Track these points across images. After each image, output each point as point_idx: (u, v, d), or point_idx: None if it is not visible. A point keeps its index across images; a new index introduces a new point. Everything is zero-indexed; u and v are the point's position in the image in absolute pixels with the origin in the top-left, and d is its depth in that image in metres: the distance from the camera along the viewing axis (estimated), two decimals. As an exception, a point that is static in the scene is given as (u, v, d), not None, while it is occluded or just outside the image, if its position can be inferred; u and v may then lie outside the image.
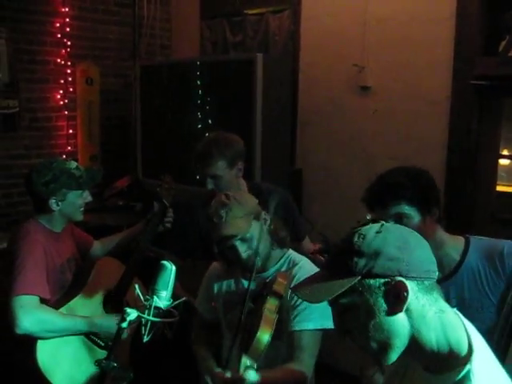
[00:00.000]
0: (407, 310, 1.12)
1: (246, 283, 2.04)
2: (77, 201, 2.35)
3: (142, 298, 1.59)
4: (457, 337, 1.14)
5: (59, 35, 4.22)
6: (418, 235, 1.21)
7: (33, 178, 2.32)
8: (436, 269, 1.17)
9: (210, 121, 3.84)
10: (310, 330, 1.92)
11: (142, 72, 4.28)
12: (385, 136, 3.37)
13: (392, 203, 1.75)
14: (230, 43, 4.29)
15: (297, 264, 2.04)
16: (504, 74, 2.81)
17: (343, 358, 3.30)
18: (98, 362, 1.58)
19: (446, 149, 3.13)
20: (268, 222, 2.03)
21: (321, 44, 3.67)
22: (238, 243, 1.95)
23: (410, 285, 1.11)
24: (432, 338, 1.13)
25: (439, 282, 1.77)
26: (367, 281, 1.12)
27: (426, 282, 1.14)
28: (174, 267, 1.60)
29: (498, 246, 1.81)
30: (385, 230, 1.17)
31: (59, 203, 2.32)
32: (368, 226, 1.19)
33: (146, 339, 1.53)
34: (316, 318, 1.92)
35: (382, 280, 1.12)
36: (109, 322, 2.25)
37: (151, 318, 1.55)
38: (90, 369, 2.22)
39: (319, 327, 1.93)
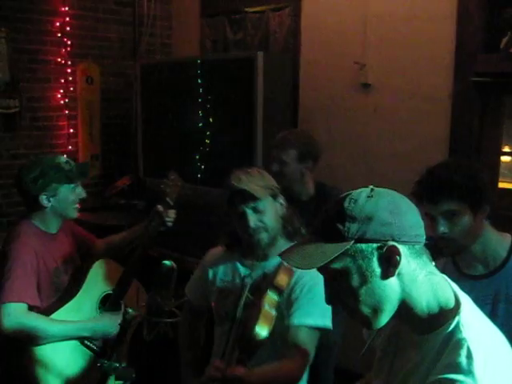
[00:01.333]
0: (399, 274, 1.13)
1: (243, 270, 2.01)
2: (69, 196, 2.31)
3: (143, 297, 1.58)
4: (445, 296, 1.17)
5: (59, 34, 4.22)
6: (407, 199, 1.20)
7: (21, 176, 2.28)
8: (424, 233, 1.17)
9: (210, 119, 3.84)
10: (308, 326, 1.86)
11: (143, 71, 4.28)
12: (386, 134, 3.37)
13: (444, 200, 1.74)
14: (230, 41, 4.28)
15: None
16: (505, 70, 2.80)
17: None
18: (100, 363, 1.58)
19: (448, 146, 3.12)
20: (284, 207, 2.00)
21: (321, 42, 3.66)
22: (249, 211, 1.92)
23: (402, 249, 1.11)
24: (422, 300, 1.15)
25: (486, 276, 1.80)
26: (360, 245, 1.11)
27: (416, 246, 1.15)
28: (175, 266, 1.60)
29: None
30: (376, 195, 1.16)
31: (50, 199, 2.27)
32: (358, 191, 1.18)
33: (148, 339, 1.53)
34: (316, 314, 1.87)
35: (375, 245, 1.11)
36: (103, 324, 2.22)
37: (153, 317, 1.55)
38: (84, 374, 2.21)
39: (320, 325, 1.88)
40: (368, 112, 3.44)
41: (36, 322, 2.12)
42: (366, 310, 1.14)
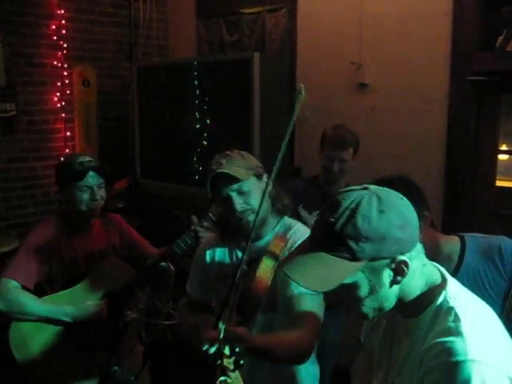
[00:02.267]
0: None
1: (239, 253, 1.96)
2: (75, 194, 2.37)
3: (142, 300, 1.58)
4: (433, 277, 1.23)
5: (55, 37, 4.22)
6: (404, 197, 1.20)
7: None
8: (417, 219, 1.20)
9: (208, 121, 3.84)
10: (310, 293, 1.73)
11: (139, 73, 4.28)
12: (383, 133, 3.37)
13: None
14: (226, 43, 4.28)
15: (291, 228, 1.94)
16: (501, 69, 2.81)
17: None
18: (98, 367, 1.58)
19: (445, 145, 3.13)
20: (270, 185, 1.87)
21: (318, 42, 3.66)
22: (233, 194, 1.86)
23: (408, 256, 1.15)
24: (417, 289, 1.20)
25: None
26: (372, 263, 1.13)
27: (417, 246, 1.18)
28: (172, 269, 1.59)
29: (495, 243, 1.80)
30: (386, 209, 1.13)
31: (63, 196, 2.42)
32: (366, 203, 1.14)
33: (146, 341, 1.53)
34: None
35: (385, 261, 1.14)
36: (83, 311, 2.27)
37: (152, 320, 1.55)
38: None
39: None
40: (365, 112, 3.44)
41: (21, 298, 2.27)
42: (367, 311, 1.19)
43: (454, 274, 1.77)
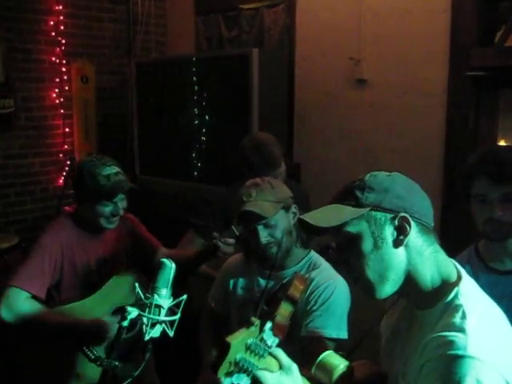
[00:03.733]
0: (407, 246, 1.21)
1: (262, 281, 2.00)
2: (96, 209, 2.23)
3: (142, 296, 1.58)
4: (448, 271, 1.24)
5: (53, 33, 4.21)
6: (420, 188, 1.29)
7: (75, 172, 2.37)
8: (433, 220, 1.26)
9: (206, 117, 3.84)
10: (323, 337, 1.84)
11: (138, 69, 4.28)
12: (382, 129, 3.37)
13: (507, 182, 1.70)
14: (225, 38, 4.27)
15: (317, 268, 1.97)
16: (500, 64, 2.80)
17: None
18: (99, 361, 1.58)
19: (444, 140, 3.13)
20: (297, 216, 1.96)
21: (316, 37, 3.65)
22: (260, 227, 1.89)
23: (413, 223, 1.20)
24: (427, 274, 1.22)
25: (505, 274, 1.78)
26: (375, 213, 1.21)
27: (424, 225, 1.23)
28: (173, 265, 1.60)
29: None
30: (394, 175, 1.28)
31: (84, 205, 2.28)
32: (378, 171, 1.28)
33: (146, 338, 1.53)
34: (332, 326, 1.85)
35: (389, 215, 1.20)
36: (98, 327, 2.13)
37: (152, 316, 1.54)
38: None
39: (334, 336, 1.86)
40: (364, 107, 3.44)
41: (30, 310, 2.13)
42: (372, 276, 1.21)
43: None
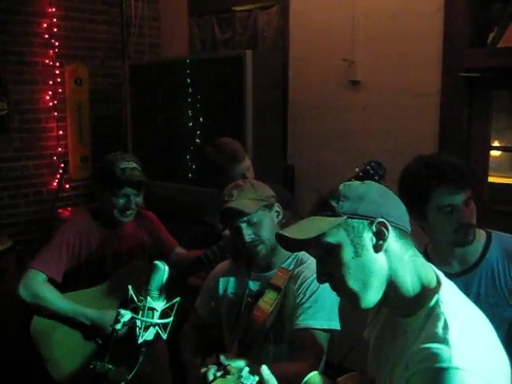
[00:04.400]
0: (386, 251, 1.22)
1: (251, 284, 2.01)
2: (111, 200, 2.36)
3: (135, 298, 1.58)
4: (428, 276, 1.25)
5: (47, 36, 4.20)
6: (394, 194, 1.31)
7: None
8: (409, 223, 1.28)
9: (200, 118, 3.83)
10: (314, 328, 1.85)
11: (132, 71, 4.27)
12: (375, 130, 3.37)
13: (466, 187, 1.76)
14: (218, 40, 4.27)
15: (304, 263, 1.96)
16: (493, 65, 2.82)
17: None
18: (92, 365, 1.57)
19: (438, 141, 3.13)
20: (281, 215, 1.99)
21: (310, 39, 3.66)
22: (243, 225, 1.91)
23: (390, 228, 1.21)
24: (407, 279, 1.23)
25: (461, 274, 1.79)
26: (352, 221, 1.21)
27: (402, 230, 1.25)
28: (166, 267, 1.59)
29: None
30: (367, 182, 1.31)
31: (101, 196, 2.41)
32: (352, 181, 1.32)
33: (140, 341, 1.52)
34: (322, 317, 1.86)
35: (366, 221, 1.21)
36: (104, 319, 2.27)
37: (145, 319, 1.54)
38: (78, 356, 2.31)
39: (326, 327, 1.86)
40: (357, 109, 3.45)
41: (45, 292, 2.28)
42: (355, 285, 1.21)
43: (473, 267, 1.81)
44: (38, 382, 2.35)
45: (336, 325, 1.89)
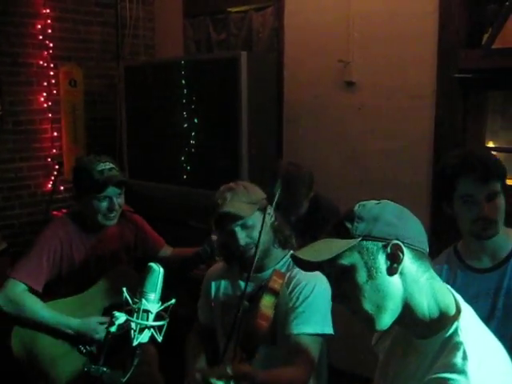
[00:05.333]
0: (402, 274, 1.19)
1: (243, 284, 1.98)
2: (92, 204, 2.30)
3: (130, 301, 1.56)
4: (446, 301, 1.22)
5: (41, 37, 4.18)
6: (411, 213, 1.27)
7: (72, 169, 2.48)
8: (427, 244, 1.24)
9: (195, 120, 3.82)
10: (308, 333, 1.85)
11: (126, 72, 4.25)
12: (371, 131, 3.37)
13: (492, 180, 1.75)
14: (213, 41, 4.27)
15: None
16: (488, 66, 2.82)
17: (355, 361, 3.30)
18: (87, 368, 1.56)
19: (432, 142, 3.14)
20: (273, 217, 1.98)
21: (305, 40, 3.66)
22: (237, 229, 1.91)
23: (405, 250, 1.18)
24: (424, 302, 1.20)
25: (492, 269, 1.79)
26: (366, 243, 1.19)
27: (418, 251, 1.21)
28: (161, 269, 1.58)
29: None
30: (383, 202, 1.27)
31: (82, 202, 2.35)
32: (367, 201, 1.27)
33: (135, 343, 1.51)
34: (316, 322, 1.86)
35: (381, 243, 1.19)
36: (87, 326, 2.24)
37: (140, 321, 1.53)
38: (63, 367, 2.28)
39: (319, 332, 1.86)
40: (353, 110, 3.45)
41: (26, 301, 2.22)
42: (369, 308, 1.19)
43: (504, 262, 1.80)
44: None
45: (329, 329, 1.90)
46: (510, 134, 3.25)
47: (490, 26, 2.83)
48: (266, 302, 1.83)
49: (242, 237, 1.92)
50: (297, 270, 1.93)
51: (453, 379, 1.07)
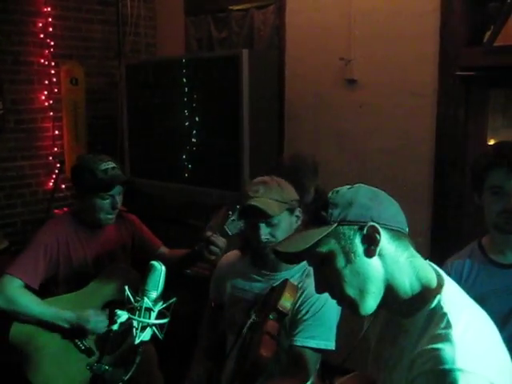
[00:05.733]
0: (380, 255, 1.19)
1: (254, 280, 2.00)
2: (96, 203, 2.32)
3: (132, 299, 1.57)
4: (427, 276, 1.22)
5: (42, 35, 4.17)
6: (387, 195, 1.27)
7: (70, 169, 2.49)
8: (405, 223, 1.24)
9: (196, 118, 3.82)
10: (311, 348, 1.85)
11: (128, 71, 4.26)
12: (372, 129, 3.37)
13: None
14: (215, 40, 4.26)
15: (310, 276, 1.89)
16: (489, 64, 2.81)
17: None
18: (89, 366, 1.56)
19: (434, 140, 3.13)
20: (300, 221, 1.96)
21: (306, 38, 3.65)
22: (262, 225, 1.89)
23: (382, 231, 1.18)
24: (405, 281, 1.20)
25: (506, 267, 1.78)
26: (342, 228, 1.19)
27: (396, 231, 1.21)
28: (163, 268, 1.59)
29: None
30: (357, 186, 1.27)
31: (83, 200, 2.36)
32: (340, 187, 1.28)
33: (137, 341, 1.51)
34: (320, 337, 1.86)
35: (356, 226, 1.19)
36: (85, 319, 2.25)
37: (142, 319, 1.53)
38: (61, 365, 2.28)
39: (322, 347, 1.86)
40: (354, 108, 3.44)
41: (22, 298, 2.22)
42: (352, 292, 1.19)
43: None
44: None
45: (331, 345, 1.89)
46: (511, 132, 3.24)
47: (491, 24, 2.82)
48: (272, 328, 1.80)
49: (264, 233, 1.90)
50: (310, 280, 1.89)
51: (439, 348, 1.08)
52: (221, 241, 2.10)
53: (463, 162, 3.07)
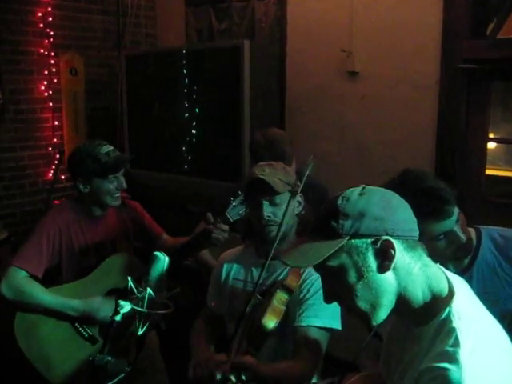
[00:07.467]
0: (394, 269, 1.14)
1: (256, 272, 1.99)
2: (102, 186, 2.35)
3: (135, 290, 1.56)
4: (439, 285, 1.18)
5: (41, 25, 4.15)
6: (398, 196, 1.21)
7: (68, 159, 2.48)
8: (417, 228, 1.19)
9: (196, 109, 3.81)
10: (316, 326, 1.86)
11: (127, 61, 4.24)
12: (374, 121, 3.36)
13: (454, 210, 1.66)
14: (215, 30, 4.24)
15: None
16: (492, 56, 2.81)
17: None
18: (91, 357, 1.56)
19: (435, 133, 3.13)
20: (301, 206, 2.00)
21: (308, 30, 3.64)
22: (265, 203, 1.92)
23: (396, 243, 1.13)
24: (418, 292, 1.17)
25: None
26: (354, 241, 1.13)
27: (410, 241, 1.16)
28: (166, 258, 1.58)
29: (510, 237, 1.79)
30: (367, 192, 1.18)
31: (87, 186, 2.37)
32: (350, 189, 1.20)
33: (140, 332, 1.51)
34: (324, 315, 1.86)
35: (369, 240, 1.13)
36: (91, 307, 2.26)
37: (145, 310, 1.53)
38: (65, 353, 2.28)
39: (327, 326, 1.87)
40: (355, 100, 3.44)
41: (26, 287, 2.25)
42: (364, 306, 1.16)
43: (468, 267, 1.77)
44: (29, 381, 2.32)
45: (338, 324, 1.90)
46: (511, 125, 3.24)
47: (494, 16, 2.81)
48: (280, 298, 1.82)
49: (267, 211, 1.92)
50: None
51: (446, 368, 1.05)
52: (224, 227, 2.10)
53: (464, 154, 3.07)
